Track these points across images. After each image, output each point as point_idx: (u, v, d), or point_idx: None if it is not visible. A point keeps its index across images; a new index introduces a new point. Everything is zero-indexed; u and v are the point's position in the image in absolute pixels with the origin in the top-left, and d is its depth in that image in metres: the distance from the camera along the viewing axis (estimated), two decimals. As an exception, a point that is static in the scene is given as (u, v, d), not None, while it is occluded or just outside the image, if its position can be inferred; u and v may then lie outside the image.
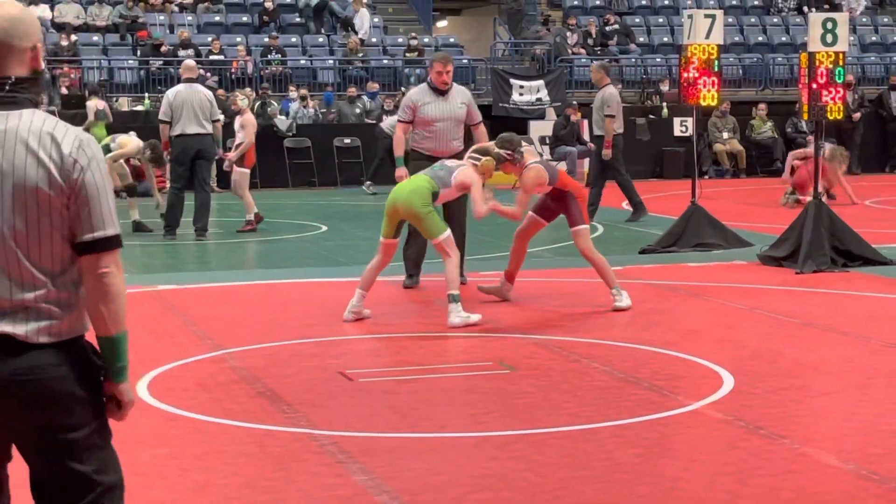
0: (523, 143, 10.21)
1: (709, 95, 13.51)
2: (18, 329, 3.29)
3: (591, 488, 5.40)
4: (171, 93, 15.47)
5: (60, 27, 25.91)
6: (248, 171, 16.48)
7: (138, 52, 25.82)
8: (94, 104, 21.97)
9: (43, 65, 3.48)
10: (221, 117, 16.05)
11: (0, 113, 3.32)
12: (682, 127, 25.06)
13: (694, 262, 12.53)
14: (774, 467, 5.67)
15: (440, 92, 11.21)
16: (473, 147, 10.26)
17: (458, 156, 10.84)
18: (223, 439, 6.23)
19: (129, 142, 16.03)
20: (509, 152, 9.88)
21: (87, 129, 21.89)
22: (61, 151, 3.29)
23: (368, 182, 21.92)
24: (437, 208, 9.68)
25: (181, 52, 25.12)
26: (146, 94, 24.58)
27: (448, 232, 9.47)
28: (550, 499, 5.28)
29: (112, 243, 3.40)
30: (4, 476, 3.55)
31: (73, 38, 25.55)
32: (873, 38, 30.73)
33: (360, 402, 7.00)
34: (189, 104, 15.13)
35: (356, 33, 27.52)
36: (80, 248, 3.35)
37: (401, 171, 11.01)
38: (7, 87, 3.33)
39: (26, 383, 3.29)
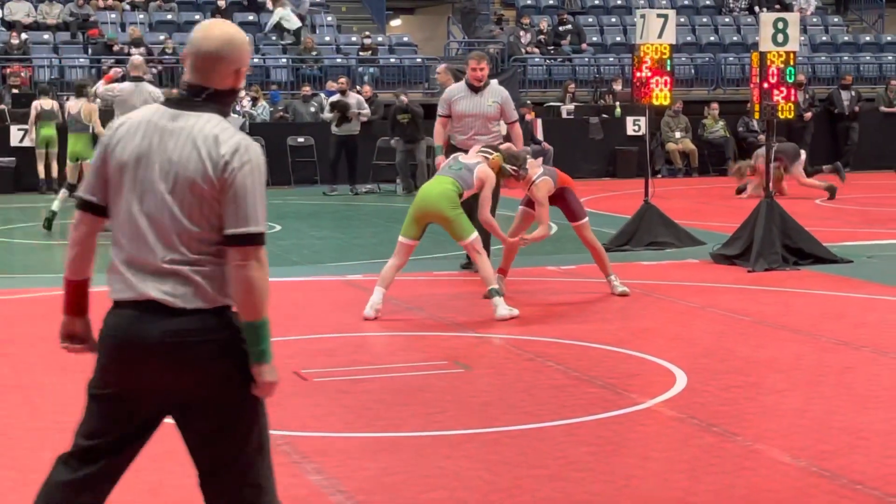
0: (528, 157, 10.41)
1: (661, 95, 13.58)
2: (168, 295, 3.67)
3: (545, 487, 5.42)
4: (118, 87, 15.21)
5: (10, 25, 25.69)
6: None
7: (89, 51, 25.63)
8: (40, 104, 21.75)
9: (241, 84, 3.86)
10: None
11: (186, 113, 3.73)
12: (635, 126, 25.16)
13: (647, 261, 12.59)
14: (727, 464, 5.72)
15: (474, 89, 11.69)
16: (483, 143, 10.67)
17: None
18: (177, 440, 6.19)
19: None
20: (515, 168, 10.05)
21: (29, 128, 21.70)
22: (219, 152, 3.66)
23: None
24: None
25: (133, 51, 24.96)
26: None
27: (476, 233, 9.70)
28: (505, 497, 5.30)
29: (251, 240, 3.67)
30: (134, 453, 4.04)
31: (24, 36, 25.34)
32: (824, 38, 30.99)
33: (315, 401, 6.99)
34: (133, 103, 14.89)
35: (307, 28, 27.48)
36: (226, 239, 3.68)
37: (440, 158, 11.62)
38: (203, 96, 3.75)
39: (174, 345, 3.67)
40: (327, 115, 21.88)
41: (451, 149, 11.74)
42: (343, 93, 21.58)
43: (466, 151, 10.94)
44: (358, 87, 24.85)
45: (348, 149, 21.49)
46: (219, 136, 3.68)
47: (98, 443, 4.02)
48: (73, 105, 16.56)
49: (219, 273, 3.71)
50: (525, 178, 10.11)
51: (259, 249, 3.70)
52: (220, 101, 3.78)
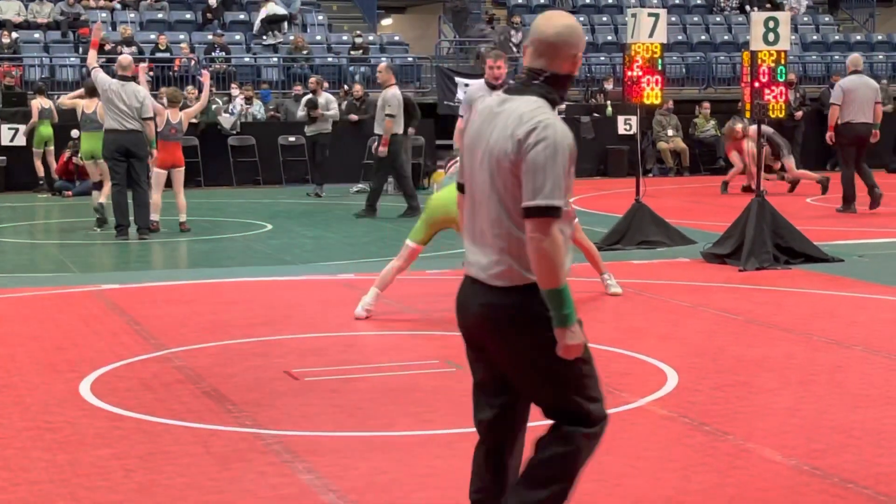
0: None
1: (652, 94, 13.59)
2: (481, 273, 4.12)
3: (536, 486, 5.41)
4: (105, 81, 15.07)
5: (1, 24, 25.63)
6: (160, 171, 15.93)
7: (80, 50, 25.58)
8: (39, 103, 21.77)
9: (576, 71, 4.20)
10: (153, 116, 15.62)
11: (512, 97, 4.10)
12: (626, 125, 25.18)
13: (638, 260, 12.59)
14: (718, 463, 5.72)
15: (493, 87, 11.77)
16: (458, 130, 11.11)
17: None
18: (168, 439, 6.19)
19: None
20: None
21: (32, 128, 21.72)
22: (519, 131, 3.98)
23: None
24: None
25: (125, 50, 24.92)
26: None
27: None
28: (496, 497, 5.29)
29: (542, 212, 3.93)
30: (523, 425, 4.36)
31: (14, 35, 25.29)
32: (814, 37, 31.03)
33: (306, 401, 6.98)
34: (118, 100, 14.89)
35: (297, 26, 27.46)
36: (522, 212, 3.98)
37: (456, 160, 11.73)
38: (541, 79, 4.11)
39: (488, 315, 4.13)
40: (300, 114, 21.77)
41: None
42: (314, 92, 21.25)
43: None
44: (346, 86, 24.81)
45: (317, 147, 21.17)
46: (523, 115, 4.00)
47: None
48: (88, 104, 16.55)
49: (524, 250, 4.02)
50: None
51: (550, 222, 3.93)
52: (555, 84, 4.13)
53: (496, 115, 4.09)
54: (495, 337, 4.15)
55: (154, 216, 15.73)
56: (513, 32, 28.45)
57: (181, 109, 16.08)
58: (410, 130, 21.44)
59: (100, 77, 15.13)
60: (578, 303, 9.99)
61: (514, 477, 4.32)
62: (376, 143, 17.76)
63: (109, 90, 14.91)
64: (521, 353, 4.13)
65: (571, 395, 4.20)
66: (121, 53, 24.56)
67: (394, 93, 17.32)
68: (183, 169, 16.16)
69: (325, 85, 23.38)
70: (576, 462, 4.26)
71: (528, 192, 3.94)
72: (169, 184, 15.93)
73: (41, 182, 21.87)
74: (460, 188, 4.31)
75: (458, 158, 10.75)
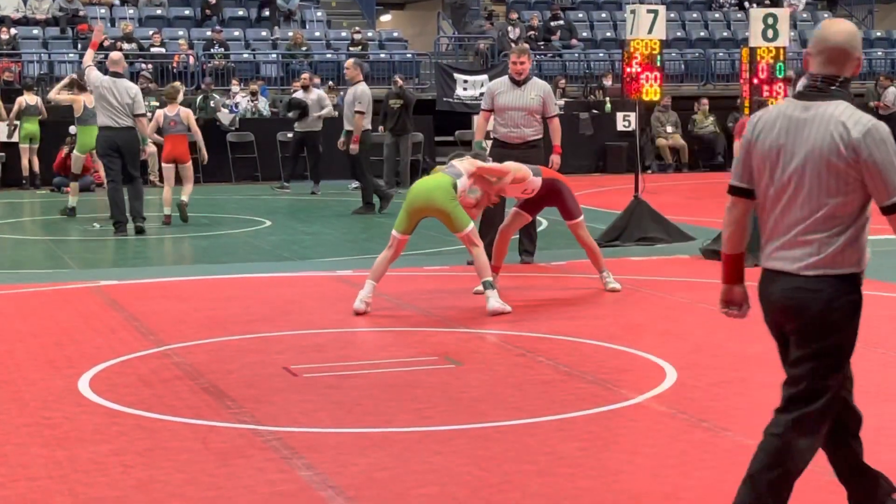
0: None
1: (651, 90, 13.59)
2: (787, 265, 4.44)
3: (534, 482, 5.42)
4: (97, 78, 15.10)
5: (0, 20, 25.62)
6: (167, 165, 16.41)
7: (79, 46, 25.57)
8: (24, 99, 21.77)
9: (857, 73, 4.49)
10: (145, 112, 15.68)
11: (817, 103, 4.32)
12: (625, 122, 25.19)
13: (637, 257, 12.59)
14: (717, 460, 5.72)
15: (517, 83, 11.98)
16: (529, 136, 11.79)
17: (531, 143, 11.90)
18: (166, 435, 6.19)
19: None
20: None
21: (13, 123, 21.71)
22: (851, 136, 4.23)
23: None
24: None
25: (125, 46, 24.91)
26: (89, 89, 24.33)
27: (472, 224, 9.77)
28: (495, 492, 5.29)
29: None
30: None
31: (13, 31, 25.27)
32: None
33: (305, 397, 6.98)
34: (110, 97, 14.92)
35: (297, 22, 27.46)
36: (883, 210, 4.35)
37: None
38: (836, 85, 4.34)
39: (790, 301, 4.48)
40: (290, 115, 21.68)
41: (494, 142, 12.17)
42: (305, 88, 21.01)
43: (509, 144, 11.72)
44: (330, 83, 24.72)
45: (308, 146, 21.02)
46: (847, 119, 4.25)
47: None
48: (89, 99, 16.61)
49: (841, 242, 4.37)
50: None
51: None
52: (846, 87, 4.37)
53: (805, 121, 4.33)
54: (800, 320, 4.49)
55: (165, 209, 16.23)
56: (510, 28, 28.44)
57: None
58: (417, 134, 21.48)
59: (92, 75, 15.15)
60: (577, 299, 9.97)
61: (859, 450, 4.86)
62: (343, 139, 17.66)
63: (102, 87, 14.92)
64: (820, 338, 4.48)
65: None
66: (120, 49, 24.58)
67: (363, 89, 17.31)
68: (189, 164, 16.32)
69: (317, 80, 23.27)
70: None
71: (884, 190, 4.26)
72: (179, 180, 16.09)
73: (24, 182, 21.85)
74: (743, 192, 4.56)
75: (461, 154, 10.87)
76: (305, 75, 21.71)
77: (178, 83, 18.23)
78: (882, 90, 26.84)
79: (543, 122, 12.13)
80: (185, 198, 16.17)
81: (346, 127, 17.58)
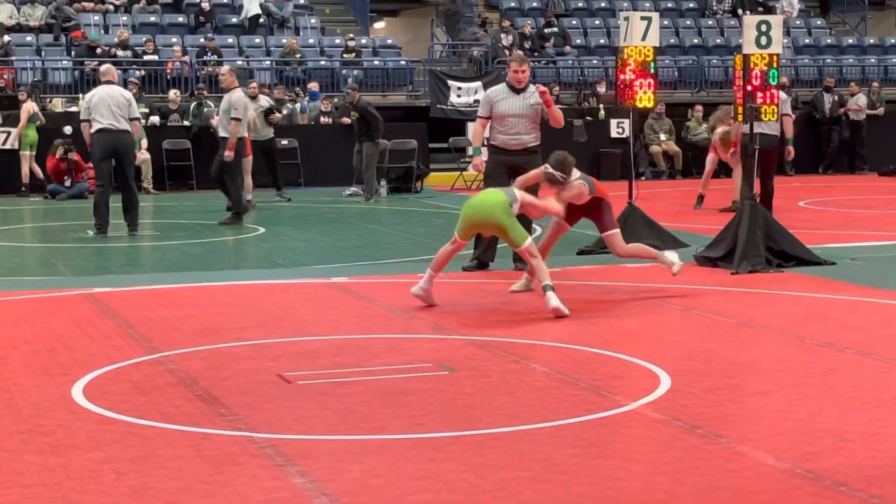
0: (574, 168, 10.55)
1: (645, 97, 13.61)
2: None
3: (528, 489, 5.41)
4: (89, 94, 15.59)
5: (-7, 27, 25.63)
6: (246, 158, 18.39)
7: (72, 53, 25.57)
8: (30, 107, 21.83)
9: None
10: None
11: None
12: (619, 128, 25.21)
13: (631, 263, 12.58)
14: (711, 466, 5.72)
15: (516, 90, 12.06)
16: (528, 143, 11.93)
17: (530, 150, 12.00)
18: (160, 443, 6.18)
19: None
20: (563, 175, 10.33)
21: (20, 132, 21.72)
22: None
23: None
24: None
25: (119, 53, 24.92)
26: (81, 95, 24.35)
27: (530, 239, 10.10)
28: (489, 499, 5.29)
29: None
30: None
31: (6, 38, 25.26)
32: (807, 41, 31.08)
33: (299, 404, 6.97)
34: (106, 101, 15.18)
35: (290, 29, 27.48)
36: None
37: (477, 159, 12.59)
38: None
39: None
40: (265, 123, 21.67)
41: (492, 149, 12.21)
42: (254, 97, 20.49)
43: (509, 151, 11.88)
44: (297, 90, 24.65)
45: (266, 153, 20.79)
46: None
47: None
48: None
49: None
50: (565, 183, 10.34)
51: None
52: None
53: None
54: None
55: (248, 195, 18.26)
56: (504, 36, 28.46)
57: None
58: (383, 142, 21.52)
59: (86, 97, 15.47)
60: (570, 306, 9.94)
61: None
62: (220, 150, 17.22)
63: (95, 96, 15.22)
64: None
65: None
66: (114, 56, 24.61)
67: (239, 96, 17.11)
68: (250, 158, 18.78)
69: (253, 86, 23.08)
70: None
71: None
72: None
73: (24, 189, 21.87)
74: None
75: (481, 157, 11.11)
76: (253, 84, 21.46)
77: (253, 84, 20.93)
78: (850, 97, 26.79)
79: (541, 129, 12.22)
80: (249, 195, 18.49)
81: (221, 133, 17.13)
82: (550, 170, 10.29)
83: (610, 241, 10.67)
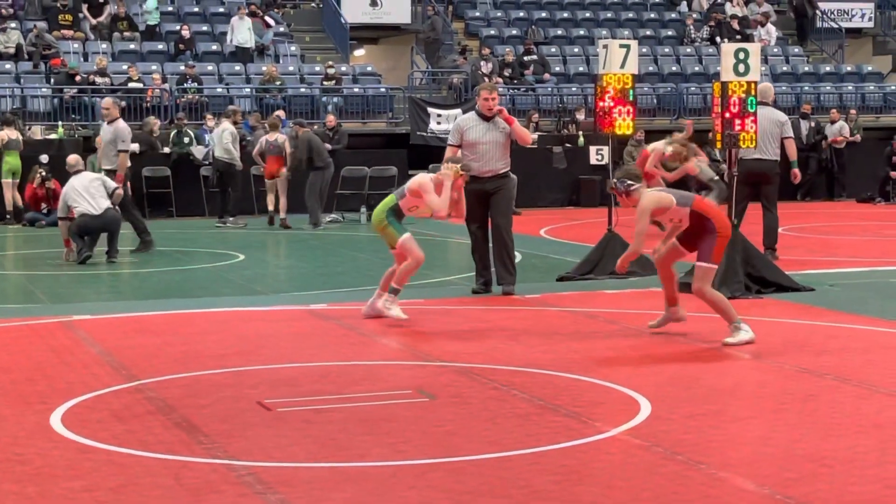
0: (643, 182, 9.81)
1: (624, 124, 13.65)
2: None
3: (510, 516, 5.40)
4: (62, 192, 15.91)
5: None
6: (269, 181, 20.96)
7: (51, 81, 25.53)
8: (6, 134, 21.78)
9: None
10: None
11: None
12: (598, 155, 25.25)
13: (611, 290, 12.61)
14: (691, 493, 5.71)
15: (486, 118, 12.16)
16: (500, 168, 12.06)
17: (501, 175, 12.19)
18: (139, 471, 6.15)
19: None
20: (631, 183, 9.51)
21: None
22: None
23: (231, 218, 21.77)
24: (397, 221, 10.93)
25: (98, 80, 24.88)
26: (60, 123, 24.31)
27: (403, 237, 10.78)
28: (470, 527, 5.28)
29: None
30: None
31: (-15, 65, 25.22)
32: (784, 68, 31.25)
33: (278, 431, 6.95)
34: (76, 190, 15.46)
35: (270, 57, 27.53)
36: None
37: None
38: None
39: None
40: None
41: (471, 178, 12.01)
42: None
43: (479, 178, 11.96)
44: (331, 116, 24.74)
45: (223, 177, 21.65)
46: None
47: None
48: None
49: None
50: (636, 195, 9.49)
51: None
52: None
53: None
54: None
55: (282, 214, 20.65)
56: (483, 63, 28.54)
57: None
58: (362, 169, 21.83)
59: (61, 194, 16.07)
60: (551, 332, 9.93)
61: None
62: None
63: (67, 191, 15.65)
64: None
65: None
66: (93, 84, 24.61)
67: (122, 126, 16.77)
68: (282, 178, 20.82)
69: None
70: None
71: None
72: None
73: (8, 216, 21.83)
74: None
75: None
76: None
77: (279, 113, 23.54)
78: (830, 124, 26.90)
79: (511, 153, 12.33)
80: (282, 214, 20.65)
81: (105, 165, 16.73)
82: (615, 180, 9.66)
83: (694, 272, 9.72)
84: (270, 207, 21.13)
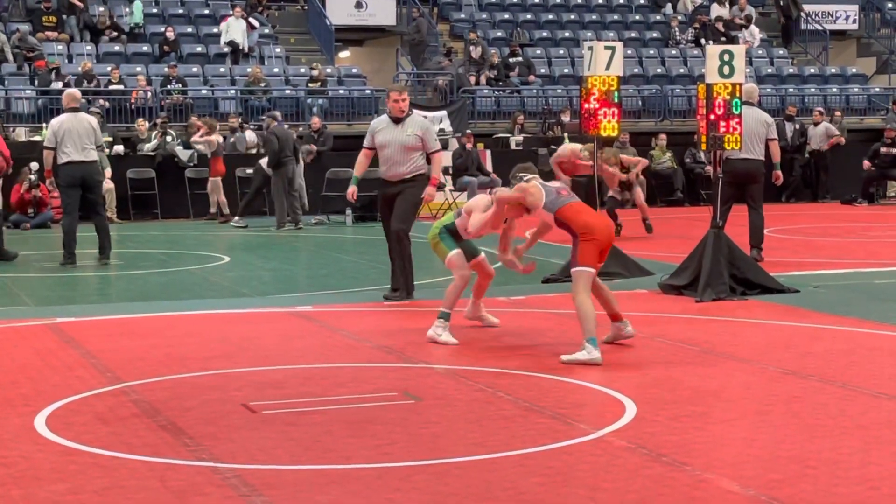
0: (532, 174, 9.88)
1: (609, 126, 13.67)
2: None
3: (495, 518, 5.40)
4: (55, 121, 15.57)
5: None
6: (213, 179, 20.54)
7: (35, 83, 25.47)
8: None
9: None
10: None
11: None
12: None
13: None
14: (676, 494, 5.72)
15: (396, 120, 11.98)
16: (405, 172, 11.76)
17: (406, 180, 11.87)
18: (124, 474, 6.14)
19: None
20: (523, 175, 9.72)
21: None
22: None
23: (236, 218, 21.76)
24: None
25: (84, 83, 24.82)
26: (44, 125, 24.22)
27: (451, 253, 10.22)
28: (455, 529, 5.28)
29: None
30: None
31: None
32: (769, 70, 31.32)
33: (263, 434, 6.94)
34: (73, 132, 15.21)
35: (255, 59, 27.50)
36: None
37: (351, 189, 12.38)
38: None
39: None
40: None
41: (383, 181, 12.10)
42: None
43: (386, 181, 11.83)
44: (317, 118, 24.74)
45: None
46: None
47: None
48: None
49: None
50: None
51: None
52: None
53: None
54: None
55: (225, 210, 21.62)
56: (472, 48, 28.60)
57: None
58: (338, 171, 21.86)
59: (52, 124, 15.46)
60: (536, 334, 9.94)
61: None
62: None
63: (62, 127, 15.21)
64: None
65: None
66: (80, 87, 24.53)
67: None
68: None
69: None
70: None
71: None
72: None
73: None
74: None
75: (356, 187, 11.04)
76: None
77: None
78: (813, 126, 26.96)
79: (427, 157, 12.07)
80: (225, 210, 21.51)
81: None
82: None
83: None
84: (213, 210, 22.49)
